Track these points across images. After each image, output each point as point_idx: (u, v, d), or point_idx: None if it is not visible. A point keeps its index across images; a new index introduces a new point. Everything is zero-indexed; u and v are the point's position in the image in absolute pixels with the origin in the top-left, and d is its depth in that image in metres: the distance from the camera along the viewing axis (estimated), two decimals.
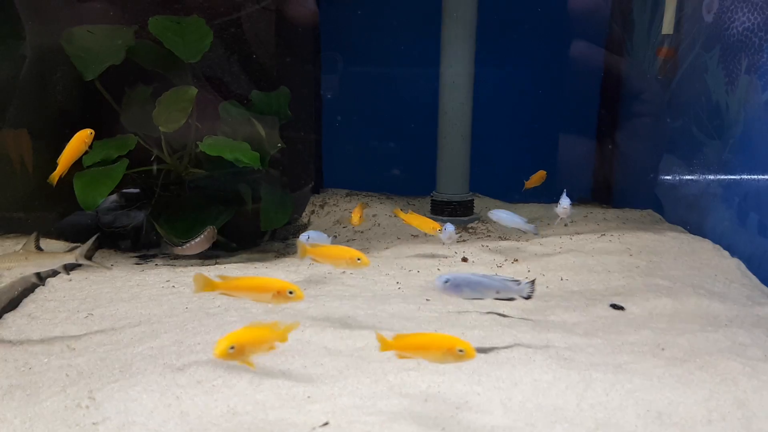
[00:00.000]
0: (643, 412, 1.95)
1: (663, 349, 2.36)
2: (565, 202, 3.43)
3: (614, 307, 2.79)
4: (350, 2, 5.08)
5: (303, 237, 3.12)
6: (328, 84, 5.21)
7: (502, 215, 3.64)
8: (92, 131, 2.85)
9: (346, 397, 2.02)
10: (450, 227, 3.49)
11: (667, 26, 4.17)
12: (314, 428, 1.81)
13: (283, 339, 1.91)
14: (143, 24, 3.48)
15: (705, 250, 3.55)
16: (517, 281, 2.45)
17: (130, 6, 3.64)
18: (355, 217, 3.62)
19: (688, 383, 2.10)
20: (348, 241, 4.14)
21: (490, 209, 4.95)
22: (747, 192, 3.49)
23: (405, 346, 1.89)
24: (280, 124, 3.74)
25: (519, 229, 3.68)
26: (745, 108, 3.53)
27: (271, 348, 1.89)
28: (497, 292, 2.43)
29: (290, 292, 2.04)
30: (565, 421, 1.89)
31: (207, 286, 2.09)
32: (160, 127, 3.33)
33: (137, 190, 3.85)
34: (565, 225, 4.33)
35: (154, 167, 3.49)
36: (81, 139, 2.83)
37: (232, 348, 1.76)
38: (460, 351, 1.83)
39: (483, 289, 2.40)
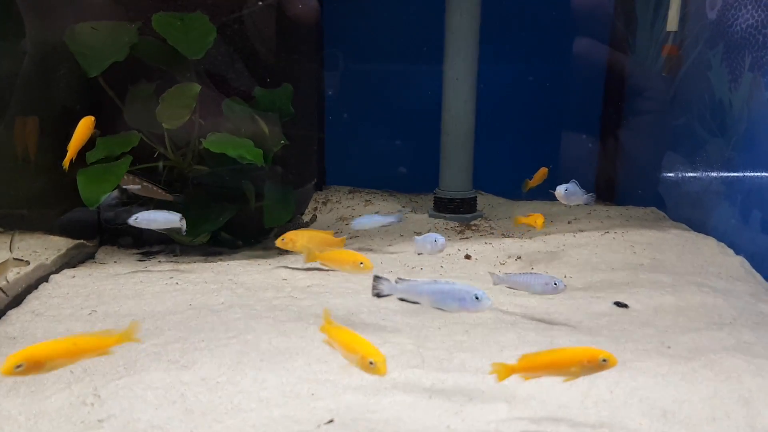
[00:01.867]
0: (647, 410, 1.95)
1: (667, 347, 2.35)
2: (561, 188, 3.23)
3: (618, 305, 2.78)
4: None
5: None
6: (331, 81, 5.20)
7: (363, 221, 3.66)
8: (93, 117, 2.91)
9: (351, 394, 2.02)
10: (438, 239, 3.09)
11: (672, 23, 4.16)
12: (319, 426, 1.81)
13: (129, 339, 1.85)
14: (146, 21, 3.48)
15: (709, 247, 3.54)
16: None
17: (134, 2, 3.62)
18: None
19: (692, 381, 2.10)
20: (351, 238, 4.14)
21: (493, 206, 4.99)
22: (750, 189, 3.48)
23: (532, 367, 1.82)
24: (282, 121, 3.74)
25: (387, 224, 3.70)
26: (749, 105, 3.52)
27: (103, 353, 1.81)
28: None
29: (371, 363, 1.79)
30: (569, 418, 1.90)
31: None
32: (163, 124, 3.33)
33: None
34: (569, 222, 4.33)
35: (161, 164, 3.49)
36: (86, 125, 2.89)
37: (20, 366, 1.65)
38: (604, 361, 1.77)
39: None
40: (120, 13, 3.58)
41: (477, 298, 2.06)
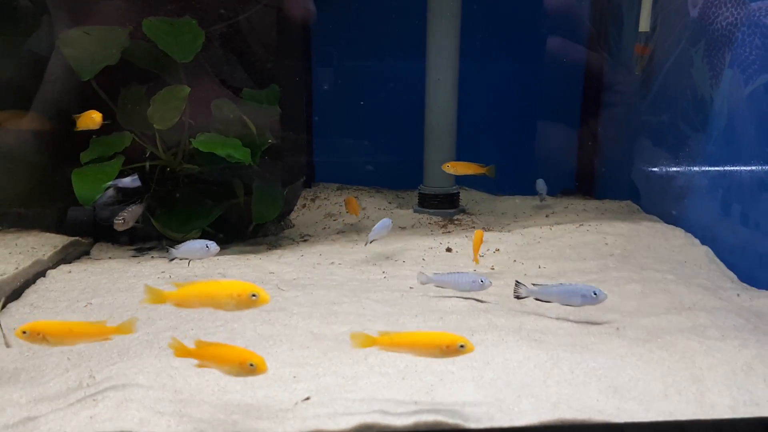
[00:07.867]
0: (604, 388, 2.09)
1: (628, 330, 2.51)
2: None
3: None
4: (339, 1, 5.21)
5: None
6: (319, 80, 5.35)
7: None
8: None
9: (330, 377, 2.16)
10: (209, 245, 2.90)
11: (644, 24, 4.29)
12: (297, 402, 1.96)
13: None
14: (138, 25, 3.61)
15: (677, 238, 3.70)
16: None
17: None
18: None
19: (648, 361, 2.25)
20: (338, 233, 4.28)
21: (476, 202, 5.15)
22: (730, 184, 3.56)
23: (393, 344, 1.95)
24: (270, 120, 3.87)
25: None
26: (729, 101, 3.61)
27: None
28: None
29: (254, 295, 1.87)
30: (531, 396, 2.04)
31: None
32: (154, 125, 3.46)
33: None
34: (546, 216, 4.48)
35: (147, 164, 3.62)
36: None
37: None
38: (461, 346, 1.88)
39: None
40: (129, 15, 3.66)
41: (595, 294, 2.50)
